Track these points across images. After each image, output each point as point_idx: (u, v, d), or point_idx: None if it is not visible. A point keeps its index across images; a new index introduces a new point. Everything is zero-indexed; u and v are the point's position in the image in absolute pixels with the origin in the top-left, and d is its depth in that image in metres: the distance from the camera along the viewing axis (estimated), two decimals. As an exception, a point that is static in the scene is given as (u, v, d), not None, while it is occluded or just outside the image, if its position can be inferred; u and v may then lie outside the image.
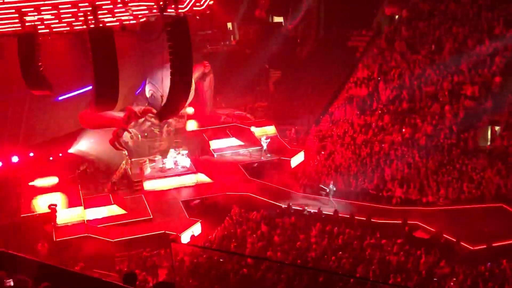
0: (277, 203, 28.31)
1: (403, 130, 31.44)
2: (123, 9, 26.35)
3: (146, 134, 33.67)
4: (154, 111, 31.58)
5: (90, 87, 25.22)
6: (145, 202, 29.36)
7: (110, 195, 29.74)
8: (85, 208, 27.91)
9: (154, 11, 26.33)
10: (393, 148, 30.64)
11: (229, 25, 51.10)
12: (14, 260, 8.49)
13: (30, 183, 29.37)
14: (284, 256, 22.51)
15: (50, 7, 25.10)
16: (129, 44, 34.67)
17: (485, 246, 22.98)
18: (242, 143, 35.59)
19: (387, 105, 33.48)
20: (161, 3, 24.79)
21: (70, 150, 34.53)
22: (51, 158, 33.88)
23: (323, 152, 33.05)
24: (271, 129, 36.86)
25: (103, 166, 33.49)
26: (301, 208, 27.48)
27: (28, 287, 7.91)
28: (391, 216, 26.25)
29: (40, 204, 28.51)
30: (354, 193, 28.73)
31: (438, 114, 31.23)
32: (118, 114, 31.06)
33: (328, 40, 44.67)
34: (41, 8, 24.84)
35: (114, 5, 25.72)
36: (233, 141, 35.81)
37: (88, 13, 23.86)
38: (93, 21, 23.47)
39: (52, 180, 30.30)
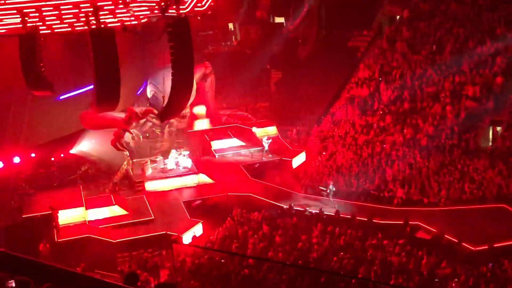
0: (279, 204, 28.29)
1: (405, 130, 31.43)
2: (125, 10, 26.33)
3: (147, 134, 33.69)
4: (156, 111, 31.61)
5: (91, 87, 25.23)
6: (147, 202, 29.35)
7: (112, 195, 29.71)
8: (86, 209, 27.89)
9: (156, 11, 26.30)
10: (395, 148, 30.63)
11: (230, 25, 51.18)
12: (16, 261, 8.49)
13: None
14: (285, 257, 22.50)
15: (52, 8, 25.08)
16: (131, 45, 34.77)
17: (486, 247, 22.94)
18: (243, 144, 35.56)
19: (389, 105, 33.48)
20: (162, 3, 24.80)
21: (72, 151, 34.56)
22: (52, 159, 33.92)
23: (324, 153, 33.03)
24: (272, 130, 36.87)
25: (105, 166, 33.54)
26: (302, 209, 27.47)
27: (29, 288, 7.91)
28: (393, 217, 26.22)
29: (42, 205, 28.51)
30: (355, 194, 28.70)
31: (440, 114, 31.22)
32: (119, 114, 31.07)
33: (329, 40, 44.70)
34: (43, 9, 24.83)
35: (115, 5, 25.69)
36: (235, 142, 35.79)
37: (90, 13, 23.88)
38: (94, 22, 23.51)
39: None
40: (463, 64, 32.80)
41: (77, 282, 8.14)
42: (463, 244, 23.32)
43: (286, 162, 33.23)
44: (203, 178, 31.64)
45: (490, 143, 30.12)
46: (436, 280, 20.64)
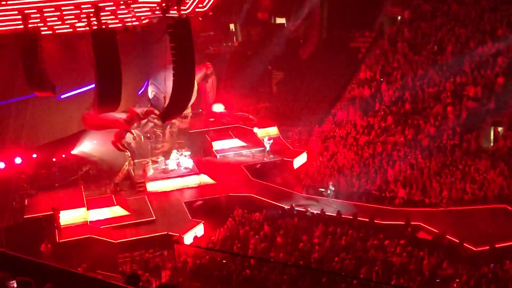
0: (280, 204, 28.30)
1: (406, 131, 31.41)
2: (126, 11, 26.36)
3: (148, 135, 33.69)
4: (157, 112, 31.61)
5: (92, 86, 25.20)
6: (148, 203, 29.38)
7: (113, 196, 29.76)
8: (88, 209, 27.94)
9: (157, 12, 26.33)
10: (396, 149, 30.63)
11: (232, 26, 51.17)
12: (18, 261, 8.50)
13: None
14: (287, 257, 22.52)
15: (53, 9, 25.10)
16: (132, 46, 34.77)
17: (488, 247, 22.94)
18: (244, 144, 35.58)
19: (390, 106, 33.47)
20: (163, 4, 24.81)
21: (73, 152, 34.56)
22: (54, 160, 33.92)
23: (325, 153, 33.03)
24: (273, 130, 36.90)
25: (106, 167, 33.51)
26: (304, 209, 27.48)
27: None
28: (394, 217, 26.22)
29: (43, 206, 28.53)
30: (356, 194, 28.70)
31: (441, 115, 31.22)
32: (120, 115, 31.07)
33: (330, 41, 44.68)
34: (44, 10, 24.85)
35: (116, 6, 25.72)
36: (236, 142, 35.81)
37: (91, 14, 23.88)
38: (95, 23, 23.51)
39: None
40: (464, 64, 32.80)
41: (79, 282, 8.16)
42: (465, 244, 23.32)
43: (288, 162, 33.24)
44: (204, 179, 31.66)
45: (492, 144, 30.11)
46: (437, 280, 20.64)
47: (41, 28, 25.01)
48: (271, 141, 33.92)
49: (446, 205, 26.86)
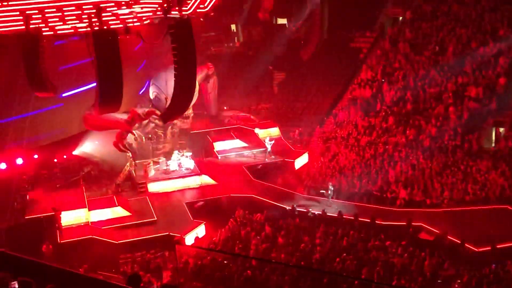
0: (281, 205, 28.30)
1: (407, 131, 31.40)
2: (127, 11, 26.34)
3: (150, 136, 33.72)
4: (158, 112, 31.63)
5: (93, 85, 25.21)
6: (149, 204, 29.37)
7: (114, 197, 29.74)
8: (89, 210, 27.94)
9: (158, 13, 26.32)
10: (397, 149, 30.63)
11: (233, 27, 51.23)
12: (19, 262, 8.51)
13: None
14: (288, 258, 22.50)
15: (55, 9, 25.09)
16: (133, 46, 34.79)
17: (489, 248, 22.92)
18: (246, 145, 35.58)
19: (391, 106, 33.47)
20: (165, 5, 24.82)
21: (75, 152, 34.57)
22: (55, 160, 33.93)
23: (327, 154, 33.01)
24: (275, 131, 36.88)
25: (107, 168, 33.52)
26: (305, 210, 27.47)
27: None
28: (395, 218, 26.20)
29: (45, 206, 28.54)
30: (358, 195, 28.69)
31: (442, 115, 31.21)
32: (121, 116, 31.09)
33: (331, 41, 44.66)
34: (45, 10, 24.85)
35: (118, 7, 25.71)
36: (237, 143, 35.80)
37: (92, 15, 23.88)
38: (97, 23, 23.51)
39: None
40: (465, 65, 32.80)
41: (80, 283, 8.17)
42: (466, 245, 23.29)
43: (289, 163, 33.23)
44: (205, 179, 31.65)
45: (493, 144, 30.11)
46: (439, 281, 20.62)
47: (43, 29, 25.00)
48: (273, 141, 33.92)
49: (448, 206, 26.83)
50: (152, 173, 32.09)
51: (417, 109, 32.53)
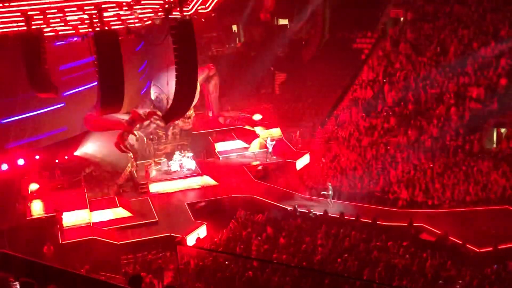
0: (283, 206, 28.30)
1: (409, 132, 31.37)
2: (129, 12, 26.34)
3: (151, 136, 33.75)
4: (159, 113, 31.63)
5: (94, 84, 25.22)
6: (151, 204, 29.39)
7: (116, 197, 29.79)
8: (91, 211, 27.96)
9: (160, 14, 26.30)
10: (399, 150, 30.60)
11: (234, 27, 51.19)
12: (20, 263, 8.51)
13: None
14: (289, 259, 22.49)
15: (56, 10, 25.10)
16: (134, 47, 34.80)
17: (491, 249, 22.92)
18: (247, 146, 35.59)
19: (393, 107, 33.44)
20: (166, 6, 24.80)
21: (76, 153, 34.57)
22: (56, 161, 33.93)
23: (328, 154, 33.00)
24: (276, 132, 36.89)
25: (109, 168, 33.53)
26: (306, 211, 27.47)
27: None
28: (397, 219, 26.21)
29: (46, 207, 28.55)
30: (359, 196, 28.68)
31: (444, 116, 31.18)
32: (123, 116, 31.09)
33: (333, 42, 44.60)
34: (47, 11, 24.85)
35: (119, 8, 25.70)
36: (238, 144, 35.81)
37: (94, 16, 23.89)
38: (98, 24, 23.51)
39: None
40: (467, 65, 32.77)
41: (81, 284, 8.17)
42: (468, 245, 23.30)
43: (290, 164, 33.23)
44: (207, 180, 31.66)
45: (495, 145, 30.06)
46: (440, 282, 20.59)
47: (44, 30, 25.01)
48: (274, 142, 33.92)
49: (449, 206, 26.83)
50: (153, 173, 32.10)
51: (418, 110, 32.50)
